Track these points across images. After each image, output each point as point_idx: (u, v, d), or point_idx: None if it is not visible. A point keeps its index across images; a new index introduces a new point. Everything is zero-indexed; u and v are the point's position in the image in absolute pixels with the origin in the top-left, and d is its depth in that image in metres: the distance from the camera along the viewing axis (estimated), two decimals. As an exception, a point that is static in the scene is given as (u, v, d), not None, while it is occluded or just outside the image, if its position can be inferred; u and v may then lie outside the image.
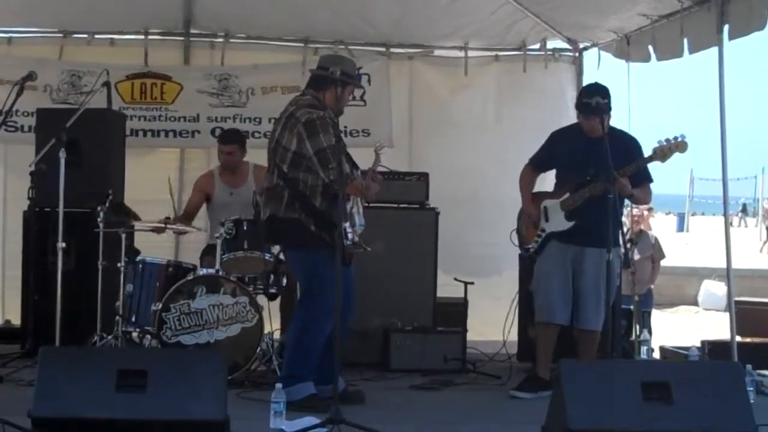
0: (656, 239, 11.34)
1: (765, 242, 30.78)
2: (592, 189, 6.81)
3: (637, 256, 10.18)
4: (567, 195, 7.02)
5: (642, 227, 10.89)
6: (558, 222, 7.07)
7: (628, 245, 8.60)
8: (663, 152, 6.70)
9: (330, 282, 5.84)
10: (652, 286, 11.25)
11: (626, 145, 6.89)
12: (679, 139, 6.66)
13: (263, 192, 6.62)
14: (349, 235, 6.28)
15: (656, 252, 11.20)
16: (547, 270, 7.08)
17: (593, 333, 6.96)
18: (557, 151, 7.24)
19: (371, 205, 6.83)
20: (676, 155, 6.70)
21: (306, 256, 6.40)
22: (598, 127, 6.82)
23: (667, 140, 6.70)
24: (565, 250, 7.02)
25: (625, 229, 8.33)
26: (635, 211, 10.48)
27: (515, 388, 7.05)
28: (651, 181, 7.10)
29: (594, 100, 6.85)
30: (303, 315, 6.42)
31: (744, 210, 49.25)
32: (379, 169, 6.81)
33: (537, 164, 7.38)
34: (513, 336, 8.07)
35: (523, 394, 6.96)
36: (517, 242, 7.59)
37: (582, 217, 6.90)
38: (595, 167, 6.74)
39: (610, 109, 6.80)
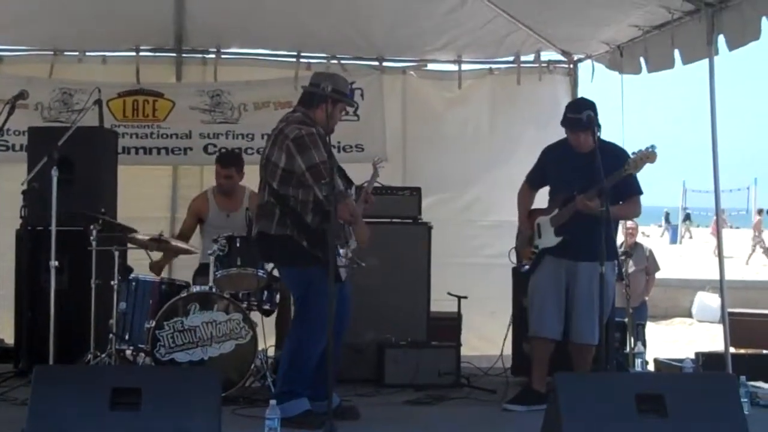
0: (651, 252, 11.38)
1: (750, 255, 30.74)
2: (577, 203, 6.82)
3: (631, 269, 10.20)
4: (556, 211, 7.03)
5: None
6: (549, 238, 7.07)
7: (623, 258, 8.62)
8: (635, 164, 6.67)
9: (323, 298, 5.83)
10: (647, 299, 11.28)
11: (615, 157, 6.83)
12: (650, 150, 6.64)
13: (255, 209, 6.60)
14: (341, 252, 6.27)
15: (651, 264, 11.23)
16: (540, 285, 7.08)
17: (588, 347, 6.95)
18: (548, 167, 7.25)
19: (364, 219, 6.81)
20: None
21: (299, 272, 6.37)
22: (585, 141, 6.85)
23: (639, 151, 6.69)
24: (559, 265, 7.01)
25: (619, 242, 8.31)
26: (629, 223, 10.49)
27: (509, 401, 7.05)
28: (640, 193, 7.07)
29: (579, 115, 6.83)
30: (297, 331, 6.40)
31: (688, 219, 48.95)
32: (374, 184, 6.82)
33: (531, 182, 7.38)
34: (507, 350, 8.07)
35: (517, 407, 6.95)
36: (515, 260, 7.61)
37: (571, 232, 6.89)
38: (582, 182, 6.75)
39: (596, 123, 6.75)
